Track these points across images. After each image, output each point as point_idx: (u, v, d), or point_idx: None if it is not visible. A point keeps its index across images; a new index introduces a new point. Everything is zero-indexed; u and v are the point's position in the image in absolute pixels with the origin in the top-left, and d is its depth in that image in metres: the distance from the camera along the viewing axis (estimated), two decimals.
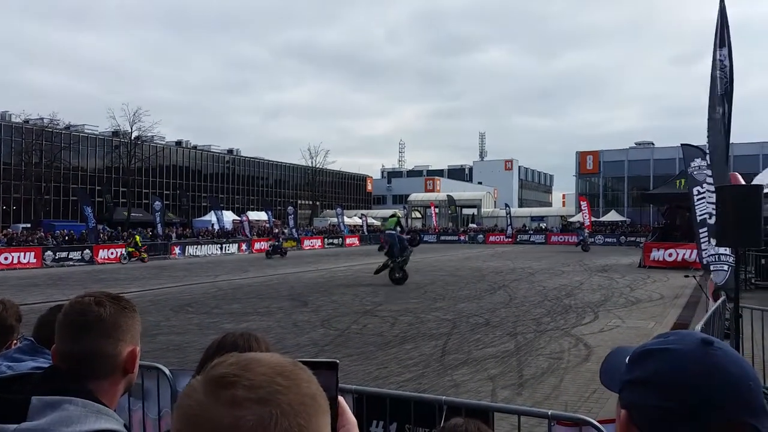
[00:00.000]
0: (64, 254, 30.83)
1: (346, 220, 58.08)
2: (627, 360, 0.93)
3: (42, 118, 52.99)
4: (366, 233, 54.09)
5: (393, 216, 21.98)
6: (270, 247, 36.83)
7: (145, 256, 32.77)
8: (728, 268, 8.01)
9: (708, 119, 8.02)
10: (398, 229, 20.30)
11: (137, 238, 33.73)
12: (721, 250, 8.01)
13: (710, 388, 0.81)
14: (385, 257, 19.80)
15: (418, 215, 71.97)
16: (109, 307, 1.45)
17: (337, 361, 0.93)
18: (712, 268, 8.35)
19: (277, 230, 46.45)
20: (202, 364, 1.61)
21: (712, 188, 8.03)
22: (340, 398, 0.93)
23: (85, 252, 31.62)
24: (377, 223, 62.20)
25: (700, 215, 8.65)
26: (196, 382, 0.70)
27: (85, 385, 1.37)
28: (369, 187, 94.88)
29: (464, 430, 1.62)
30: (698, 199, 8.71)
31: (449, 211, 70.15)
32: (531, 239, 51.79)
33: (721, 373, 0.82)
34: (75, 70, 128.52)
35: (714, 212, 8.00)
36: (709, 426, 0.79)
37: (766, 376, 6.91)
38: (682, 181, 23.94)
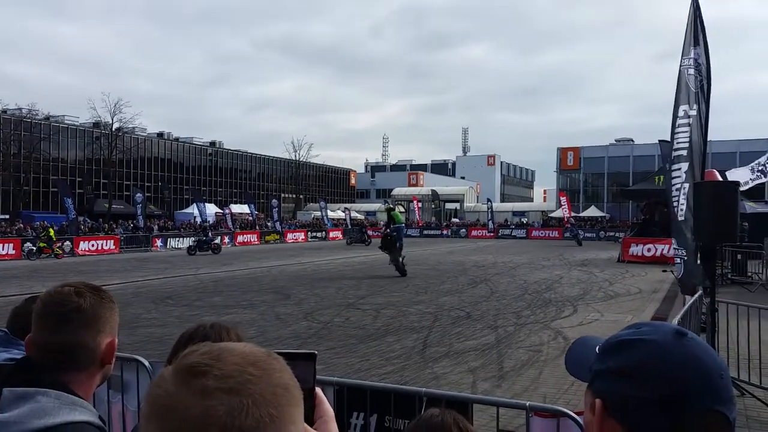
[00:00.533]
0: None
1: (330, 213, 57.95)
2: (598, 350, 0.94)
3: (20, 108, 52.14)
4: (350, 227, 54.04)
5: (393, 209, 21.85)
6: (194, 242, 31.45)
7: (60, 252, 29.04)
8: (680, 261, 8.17)
9: (674, 117, 8.13)
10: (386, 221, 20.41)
11: (51, 231, 29.76)
12: (676, 244, 8.17)
13: (685, 378, 0.83)
14: (383, 251, 19.89)
15: (402, 209, 72.00)
16: (89, 298, 1.43)
17: (315, 353, 0.94)
18: (676, 261, 8.51)
19: (206, 222, 39.08)
20: (173, 354, 1.60)
21: (679, 184, 8.16)
22: (318, 389, 0.93)
23: (65, 243, 31.22)
24: (360, 216, 62.18)
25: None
26: (166, 372, 0.69)
27: (60, 376, 1.35)
28: (353, 181, 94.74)
29: (440, 420, 1.63)
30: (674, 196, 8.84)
31: (432, 206, 70.32)
32: (513, 234, 52.09)
33: (696, 363, 0.84)
34: (54, 60, 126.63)
35: (676, 205, 8.14)
36: (684, 415, 0.81)
37: (741, 367, 7.07)
38: (661, 177, 24.24)
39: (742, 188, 26.14)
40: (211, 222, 46.53)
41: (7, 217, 43.34)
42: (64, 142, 56.94)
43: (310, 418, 0.90)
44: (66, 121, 57.94)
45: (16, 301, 2.14)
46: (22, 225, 35.85)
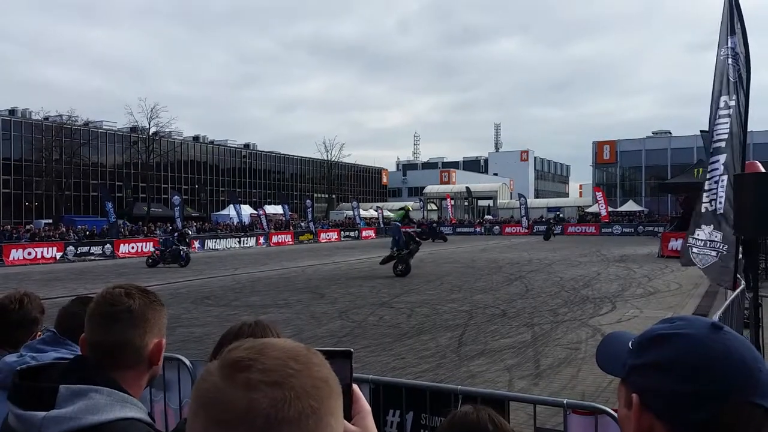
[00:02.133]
0: (85, 249, 31.26)
1: (362, 212, 58.15)
2: (631, 344, 0.94)
3: (61, 115, 53.59)
4: (382, 226, 54.14)
5: (402, 209, 21.93)
6: (157, 250, 25.27)
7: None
8: (717, 255, 7.93)
9: (713, 108, 7.92)
10: (405, 221, 20.30)
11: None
12: (714, 236, 7.92)
13: (724, 371, 0.82)
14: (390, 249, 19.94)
15: (434, 207, 71.79)
16: (138, 299, 1.49)
17: (352, 350, 0.96)
18: (694, 250, 8.24)
19: (171, 226, 33.10)
20: (216, 352, 1.65)
21: (717, 176, 7.94)
22: (355, 386, 0.95)
23: (106, 247, 32.03)
24: (393, 215, 62.24)
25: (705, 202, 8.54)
26: (212, 366, 0.72)
27: (111, 374, 1.40)
28: (384, 180, 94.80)
29: (475, 417, 1.62)
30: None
31: (465, 203, 69.91)
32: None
33: (734, 356, 0.83)
34: (88, 65, 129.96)
35: (715, 198, 7.93)
36: (724, 408, 0.81)
37: None
38: (700, 170, 23.64)
39: None
40: (246, 223, 47.15)
41: (50, 221, 44.64)
42: (103, 147, 58.39)
43: (348, 414, 0.92)
44: (104, 127, 59.37)
45: (62, 302, 2.22)
46: (64, 229, 36.88)
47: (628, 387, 0.92)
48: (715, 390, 0.82)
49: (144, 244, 34.22)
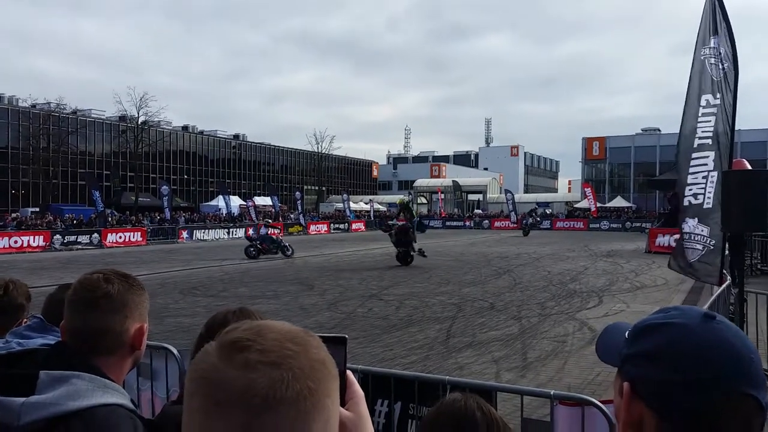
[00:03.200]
0: (72, 238, 31.03)
1: (352, 205, 58.08)
2: (627, 334, 0.93)
3: (49, 103, 53.02)
4: (372, 219, 54.12)
5: (406, 203, 21.92)
6: (261, 242, 24.24)
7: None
8: (702, 248, 8.00)
9: (693, 106, 7.97)
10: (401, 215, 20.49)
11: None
12: (699, 230, 8.00)
13: (715, 360, 0.82)
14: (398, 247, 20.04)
15: (424, 201, 71.86)
16: (117, 284, 1.47)
17: (346, 337, 0.95)
18: (687, 245, 8.32)
19: (265, 220, 30.62)
20: (202, 338, 1.64)
21: (706, 172, 8.01)
22: (348, 372, 0.95)
23: (93, 236, 31.81)
24: (383, 208, 62.22)
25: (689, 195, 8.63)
26: (209, 347, 0.72)
27: (92, 360, 1.39)
28: (375, 173, 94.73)
29: (463, 404, 1.62)
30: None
31: (455, 197, 70.02)
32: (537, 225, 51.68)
33: (725, 346, 0.83)
34: (78, 56, 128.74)
35: (702, 192, 8.01)
36: (714, 397, 0.81)
37: None
38: None
39: None
40: (235, 214, 46.99)
41: (37, 209, 44.25)
42: (92, 135, 57.84)
43: (342, 399, 0.92)
44: (93, 115, 58.83)
45: (48, 291, 2.20)
46: (51, 218, 36.57)
47: (621, 376, 0.91)
48: (704, 379, 0.81)
49: (132, 233, 34.04)
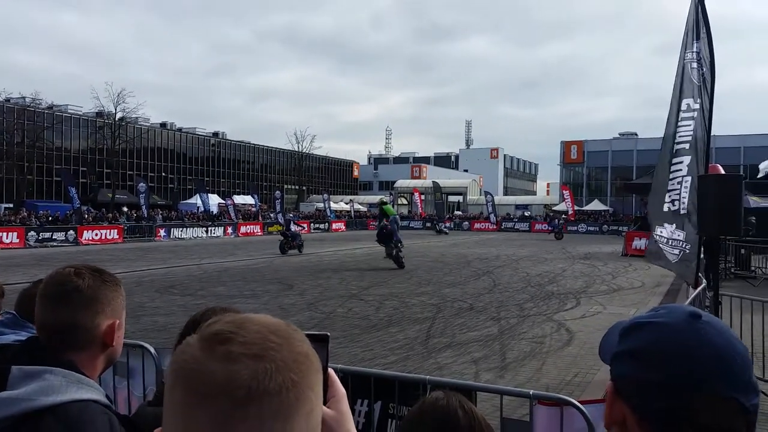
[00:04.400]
0: (47, 235, 30.51)
1: (333, 205, 57.96)
2: (619, 333, 0.92)
3: (24, 97, 52.07)
4: (353, 218, 54.05)
5: (385, 203, 21.91)
6: (291, 238, 25.44)
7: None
8: (679, 253, 8.13)
9: (676, 110, 8.10)
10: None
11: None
12: (676, 235, 8.13)
13: (695, 361, 0.80)
14: (380, 244, 19.98)
15: (405, 201, 71.96)
16: (88, 279, 1.43)
17: (329, 334, 0.95)
18: (666, 248, 8.45)
19: (290, 215, 35.58)
20: (181, 338, 1.62)
21: (680, 177, 8.14)
22: (330, 370, 0.94)
23: (69, 233, 31.32)
24: (363, 208, 62.19)
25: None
26: (191, 339, 0.71)
27: (66, 356, 1.36)
28: (356, 173, 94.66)
29: (445, 403, 1.61)
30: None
31: (435, 198, 70.21)
32: (515, 227, 52.07)
33: (707, 346, 0.81)
34: (56, 50, 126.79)
35: (678, 198, 8.13)
36: (692, 399, 0.79)
37: None
38: None
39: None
40: (214, 212, 46.61)
41: (11, 206, 43.42)
42: (68, 131, 56.94)
43: (324, 397, 0.91)
44: (69, 111, 57.92)
45: (22, 288, 2.16)
46: (26, 214, 35.92)
47: (610, 375, 0.91)
48: (684, 380, 0.80)
49: (108, 231, 33.57)
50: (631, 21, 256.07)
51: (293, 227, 26.45)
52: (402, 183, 74.62)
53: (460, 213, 64.48)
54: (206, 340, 0.69)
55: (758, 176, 26.80)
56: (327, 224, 50.48)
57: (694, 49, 7.90)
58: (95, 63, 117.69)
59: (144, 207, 39.24)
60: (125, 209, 42.68)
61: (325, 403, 0.92)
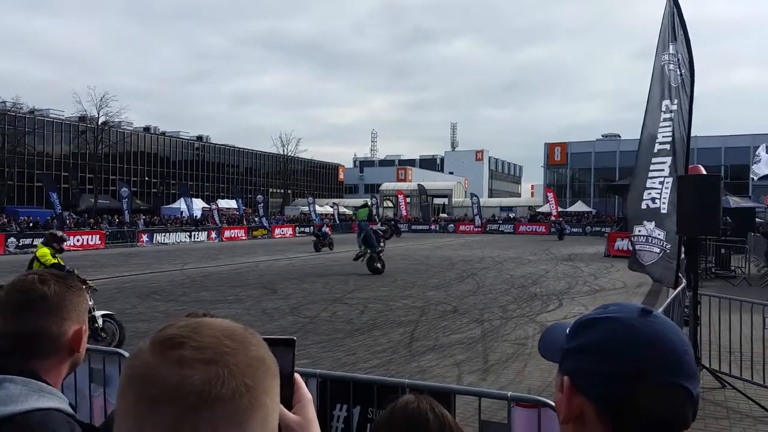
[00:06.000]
0: (28, 241, 30.08)
1: (318, 208, 57.83)
2: (567, 331, 0.96)
3: (4, 102, 51.39)
4: (338, 222, 53.94)
5: (364, 206, 22.03)
6: (324, 238, 29.65)
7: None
8: (660, 252, 8.21)
9: (654, 111, 8.18)
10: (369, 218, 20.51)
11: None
12: (656, 233, 8.21)
13: (646, 352, 0.85)
14: (359, 246, 19.94)
15: (390, 204, 71.99)
16: (53, 286, 1.41)
17: (294, 338, 0.94)
18: (637, 247, 8.52)
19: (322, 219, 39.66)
20: None
21: (662, 177, 8.21)
22: (296, 375, 0.93)
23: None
24: (349, 212, 62.10)
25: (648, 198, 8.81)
26: (143, 345, 0.70)
27: (28, 364, 1.33)
28: (341, 176, 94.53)
29: (416, 406, 1.61)
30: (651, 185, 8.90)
31: (420, 201, 70.34)
32: (500, 229, 52.29)
33: (660, 339, 0.86)
34: (35, 56, 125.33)
35: (658, 197, 8.21)
36: (647, 387, 0.84)
37: (722, 360, 7.15)
38: None
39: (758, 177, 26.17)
40: (198, 217, 46.31)
41: None
42: (49, 136, 56.25)
43: (289, 402, 0.90)
44: (51, 115, 57.22)
45: None
46: (6, 220, 35.44)
47: (561, 372, 0.94)
48: (638, 370, 0.84)
49: (90, 237, 33.21)
50: (608, 27, 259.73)
51: (324, 228, 31.14)
52: (387, 186, 74.66)
53: (445, 215, 64.64)
54: (159, 345, 0.69)
55: (755, 180, 27.15)
56: (312, 228, 50.30)
57: (671, 51, 7.98)
58: (74, 69, 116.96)
59: (126, 212, 38.86)
60: (107, 216, 42.30)
61: (290, 408, 0.91)
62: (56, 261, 9.13)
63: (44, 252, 9.18)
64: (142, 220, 41.54)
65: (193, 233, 39.06)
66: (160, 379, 0.65)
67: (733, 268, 17.60)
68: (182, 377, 0.65)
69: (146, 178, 63.64)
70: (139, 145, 63.91)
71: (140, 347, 0.70)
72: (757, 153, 26.91)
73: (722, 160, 51.61)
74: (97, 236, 33.63)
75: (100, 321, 8.37)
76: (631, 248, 9.48)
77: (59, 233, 9.90)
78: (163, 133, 68.60)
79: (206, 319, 0.74)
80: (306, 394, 0.94)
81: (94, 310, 8.21)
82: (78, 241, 32.19)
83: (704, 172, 11.01)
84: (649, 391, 0.84)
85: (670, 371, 0.85)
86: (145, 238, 35.71)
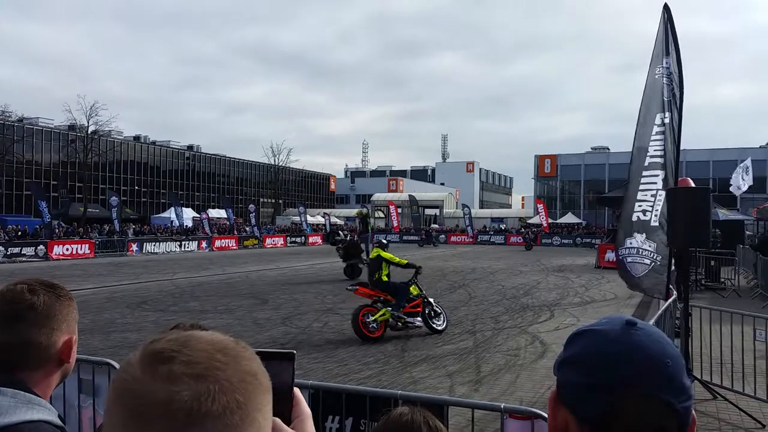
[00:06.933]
0: (16, 250, 29.83)
1: (309, 218, 57.72)
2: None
3: None
4: (329, 232, 53.80)
5: (365, 215, 21.93)
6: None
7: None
8: (650, 263, 8.25)
9: (647, 124, 8.24)
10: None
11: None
12: (646, 245, 8.26)
13: (627, 364, 0.84)
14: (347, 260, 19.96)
15: (381, 215, 71.96)
16: (42, 296, 1.38)
17: (294, 352, 0.93)
18: (629, 260, 8.57)
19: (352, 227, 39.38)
20: None
21: (654, 191, 8.27)
22: (296, 389, 0.92)
23: (38, 248, 30.65)
24: (340, 221, 62.02)
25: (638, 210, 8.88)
26: (133, 358, 0.68)
27: (17, 375, 1.31)
28: (332, 187, 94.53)
29: (410, 419, 1.60)
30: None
31: (411, 211, 70.39)
32: (491, 240, 52.37)
33: (639, 351, 0.85)
34: (24, 61, 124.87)
35: (650, 210, 8.26)
36: (625, 400, 0.82)
37: (714, 371, 7.17)
38: None
39: (738, 192, 26.41)
40: (188, 226, 46.09)
41: None
42: (39, 144, 55.94)
43: (288, 417, 0.89)
44: (40, 124, 56.93)
45: None
46: None
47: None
48: (617, 382, 0.83)
49: (79, 246, 32.96)
50: (592, 41, 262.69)
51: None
52: (379, 196, 74.64)
53: (436, 226, 64.67)
54: (148, 359, 0.67)
55: (739, 193, 27.35)
56: (303, 238, 50.22)
57: (664, 65, 8.06)
58: (64, 75, 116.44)
59: (116, 221, 38.60)
60: (96, 225, 42.00)
61: (289, 424, 0.90)
62: None
63: None
64: (131, 230, 41.29)
65: (183, 243, 38.84)
66: (149, 395, 0.63)
67: (722, 280, 17.70)
68: (171, 393, 0.63)
69: (136, 188, 63.36)
70: (129, 154, 63.67)
71: (128, 360, 0.69)
72: (738, 168, 27.21)
73: (710, 173, 52.03)
74: (87, 245, 33.37)
75: None
76: (616, 259, 9.52)
77: None
78: (154, 143, 68.38)
79: (197, 332, 0.72)
80: (305, 409, 0.93)
81: None
82: (67, 250, 31.94)
83: (693, 184, 11.10)
84: (626, 403, 0.83)
85: (649, 384, 0.83)
86: (134, 247, 35.47)
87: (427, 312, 10.43)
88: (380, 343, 9.75)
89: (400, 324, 10.21)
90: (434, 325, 10.40)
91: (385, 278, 11.06)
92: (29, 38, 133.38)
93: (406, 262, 11.38)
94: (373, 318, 9.98)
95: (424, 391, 6.73)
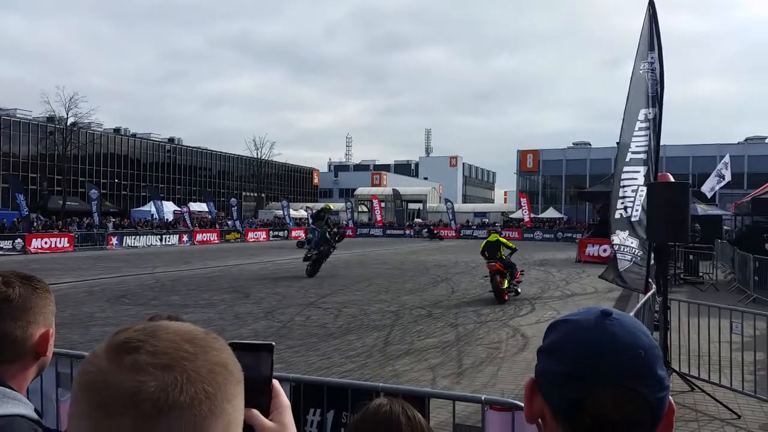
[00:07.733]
0: None
1: (292, 212, 57.51)
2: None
3: None
4: (311, 226, 53.66)
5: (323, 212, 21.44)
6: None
7: None
8: (631, 259, 8.36)
9: (631, 120, 8.31)
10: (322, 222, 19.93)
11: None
12: (629, 242, 8.36)
13: (598, 354, 0.84)
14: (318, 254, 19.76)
15: (365, 209, 71.93)
16: (18, 288, 1.36)
17: (273, 344, 0.92)
18: (618, 256, 8.68)
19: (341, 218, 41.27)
20: None
21: (636, 186, 8.35)
22: (275, 381, 0.92)
23: (16, 241, 30.20)
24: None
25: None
26: (98, 349, 0.67)
27: None
28: (316, 180, 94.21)
29: (388, 409, 1.60)
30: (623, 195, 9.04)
31: (395, 206, 70.44)
32: (474, 234, 52.60)
33: (611, 341, 0.85)
34: (4, 53, 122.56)
35: (631, 206, 8.35)
36: (596, 389, 0.82)
37: (692, 364, 7.28)
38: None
39: (709, 194, 26.77)
40: (169, 220, 45.68)
41: None
42: (16, 136, 54.99)
43: (267, 409, 0.89)
44: (18, 115, 55.96)
45: None
46: None
47: None
48: (584, 372, 0.83)
49: (58, 239, 32.53)
50: (578, 37, 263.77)
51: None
52: (362, 190, 74.58)
53: (419, 220, 64.79)
54: (114, 350, 0.65)
55: (710, 194, 27.73)
56: (286, 232, 50.02)
57: (649, 60, 8.13)
58: (43, 68, 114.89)
59: (96, 214, 38.12)
60: (76, 218, 41.47)
61: (267, 415, 0.89)
62: None
63: None
64: (111, 223, 40.80)
65: (164, 236, 38.49)
66: (114, 386, 0.62)
67: (701, 274, 17.95)
68: (137, 383, 0.62)
69: (116, 180, 62.61)
70: (109, 146, 62.85)
71: (94, 351, 0.67)
72: (715, 171, 27.59)
73: (690, 168, 52.68)
74: (66, 239, 32.95)
75: None
76: (611, 255, 9.59)
77: None
78: (134, 135, 67.56)
79: (165, 322, 0.70)
80: (284, 401, 0.93)
81: None
82: (46, 243, 31.52)
83: (672, 179, 11.24)
84: (596, 393, 0.83)
85: (620, 373, 0.83)
86: (114, 240, 35.09)
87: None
88: (363, 337, 9.76)
89: (513, 290, 14.07)
90: (520, 292, 14.44)
91: (504, 256, 14.18)
92: (8, 30, 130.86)
93: (514, 245, 15.02)
94: (505, 286, 13.57)
95: (407, 384, 6.74)
